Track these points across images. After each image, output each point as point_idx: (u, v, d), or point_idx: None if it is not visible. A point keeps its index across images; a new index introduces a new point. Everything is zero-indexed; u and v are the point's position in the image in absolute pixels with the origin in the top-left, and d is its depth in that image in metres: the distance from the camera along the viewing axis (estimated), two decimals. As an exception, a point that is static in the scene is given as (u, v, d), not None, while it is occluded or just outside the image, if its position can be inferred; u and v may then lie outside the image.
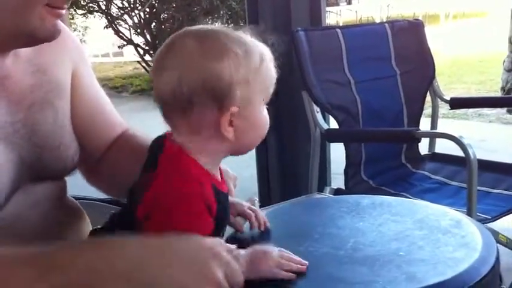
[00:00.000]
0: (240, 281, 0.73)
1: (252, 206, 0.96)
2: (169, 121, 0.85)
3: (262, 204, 1.02)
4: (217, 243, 0.75)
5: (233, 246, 0.77)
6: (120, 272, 0.70)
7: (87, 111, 1.06)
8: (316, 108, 1.94)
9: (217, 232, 0.83)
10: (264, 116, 0.86)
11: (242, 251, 0.77)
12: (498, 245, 0.84)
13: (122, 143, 1.10)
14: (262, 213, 0.95)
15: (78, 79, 1.04)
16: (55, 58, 0.99)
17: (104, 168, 1.09)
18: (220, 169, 0.90)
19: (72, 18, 9.67)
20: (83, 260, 0.70)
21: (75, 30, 9.76)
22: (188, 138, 0.83)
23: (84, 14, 9.13)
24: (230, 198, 0.92)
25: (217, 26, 0.84)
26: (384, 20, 2.14)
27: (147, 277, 0.69)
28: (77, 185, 1.15)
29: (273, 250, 0.78)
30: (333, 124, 2.05)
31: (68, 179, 1.05)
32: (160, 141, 0.88)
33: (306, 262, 0.79)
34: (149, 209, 0.80)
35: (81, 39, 9.69)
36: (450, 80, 6.83)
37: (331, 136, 1.97)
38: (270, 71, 0.86)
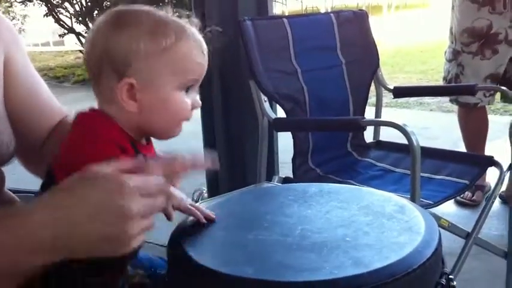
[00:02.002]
0: (167, 188, 0.75)
1: (194, 203, 0.95)
2: (93, 88, 0.87)
3: (211, 195, 1.01)
4: (117, 174, 0.71)
5: (139, 160, 0.76)
6: (40, 245, 0.69)
7: (22, 95, 1.03)
8: (264, 98, 1.95)
9: None
10: (177, 100, 0.85)
11: (152, 162, 0.76)
12: (440, 229, 0.87)
13: (62, 129, 1.07)
14: (205, 208, 0.94)
15: (11, 65, 1.00)
16: None
17: (45, 155, 1.07)
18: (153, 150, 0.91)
19: (11, 6, 9.34)
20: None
21: (13, 18, 9.42)
22: (105, 107, 0.85)
23: (23, 2, 8.82)
24: (174, 190, 0.92)
25: (147, 6, 0.84)
26: (329, 10, 2.16)
27: (66, 241, 0.69)
28: (15, 179, 1.11)
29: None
30: (281, 113, 2.07)
31: (6, 172, 1.02)
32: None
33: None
34: (61, 156, 0.82)
35: (20, 28, 9.38)
36: (393, 70, 6.98)
37: (278, 125, 1.98)
38: (189, 56, 0.85)
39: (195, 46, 0.85)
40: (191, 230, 0.89)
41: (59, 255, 0.71)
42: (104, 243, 0.70)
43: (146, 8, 0.86)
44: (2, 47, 0.99)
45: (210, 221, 0.91)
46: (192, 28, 0.86)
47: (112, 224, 0.69)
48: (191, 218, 0.92)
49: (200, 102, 0.89)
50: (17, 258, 0.70)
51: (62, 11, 8.49)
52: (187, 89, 0.86)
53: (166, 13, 0.86)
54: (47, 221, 0.69)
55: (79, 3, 8.27)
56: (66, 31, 8.56)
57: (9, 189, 1.06)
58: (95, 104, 0.88)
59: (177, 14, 0.86)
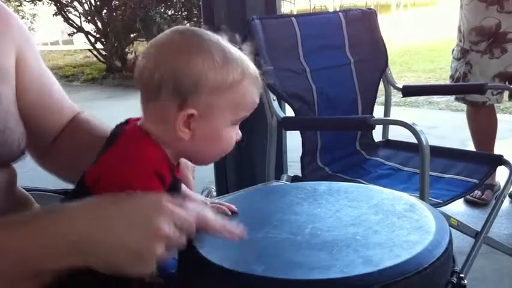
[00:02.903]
0: (192, 228, 0.74)
1: (213, 200, 0.96)
2: (141, 103, 0.85)
3: (219, 193, 1.02)
4: (161, 196, 0.74)
5: (179, 199, 0.77)
6: (68, 245, 0.69)
7: (34, 95, 1.03)
8: (273, 97, 1.95)
9: None
10: (227, 133, 0.85)
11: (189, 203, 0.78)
12: (450, 228, 0.86)
13: (75, 126, 1.08)
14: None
15: (23, 63, 1.01)
16: None
17: (58, 152, 1.08)
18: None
19: (20, 5, 9.39)
20: (26, 240, 0.69)
21: (23, 17, 9.47)
22: (152, 125, 0.84)
23: (32, 1, 8.87)
24: (188, 191, 0.93)
25: (211, 32, 0.86)
26: (338, 9, 2.16)
27: (96, 247, 0.69)
28: (29, 177, 1.12)
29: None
30: (289, 112, 2.07)
31: (19, 170, 1.03)
32: (122, 125, 0.88)
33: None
34: (99, 173, 0.80)
35: (29, 27, 9.42)
36: (401, 69, 6.96)
37: (287, 124, 1.98)
38: (248, 94, 0.85)
39: (255, 84, 0.85)
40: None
41: (80, 262, 0.70)
42: (128, 257, 0.70)
43: (212, 34, 0.84)
44: (13, 46, 1.00)
45: (233, 213, 0.92)
46: (251, 63, 0.85)
47: (142, 240, 0.70)
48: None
49: (241, 134, 0.89)
50: (41, 261, 0.70)
51: (71, 10, 8.52)
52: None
53: (228, 42, 0.85)
54: (83, 221, 0.70)
55: (88, 2, 8.30)
56: (75, 30, 8.60)
57: (23, 187, 1.06)
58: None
59: (245, 52, 0.85)
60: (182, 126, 0.82)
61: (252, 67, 0.85)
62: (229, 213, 0.92)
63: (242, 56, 0.85)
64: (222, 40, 0.84)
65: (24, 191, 1.07)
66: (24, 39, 1.03)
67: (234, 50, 0.84)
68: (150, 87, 0.82)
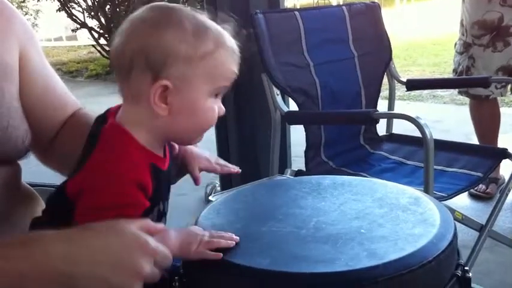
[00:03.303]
0: (169, 263, 0.75)
1: (218, 160, 0.99)
2: (118, 85, 0.85)
3: (223, 188, 1.02)
4: (142, 227, 0.74)
5: (161, 226, 0.78)
6: (48, 272, 0.71)
7: (37, 91, 1.04)
8: (276, 91, 1.95)
9: (151, 209, 0.84)
10: (205, 105, 0.84)
11: (173, 232, 0.78)
12: (454, 221, 0.86)
13: (74, 122, 1.09)
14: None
15: (26, 60, 1.01)
16: (2, 39, 0.97)
17: (57, 148, 1.08)
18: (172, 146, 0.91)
19: (24, 1, 9.39)
20: (7, 262, 0.70)
21: (26, 13, 9.47)
22: (129, 107, 0.84)
23: (36, -3, 8.87)
24: (199, 151, 0.96)
25: (184, 6, 0.87)
26: (341, 3, 2.16)
27: (75, 275, 0.71)
28: (34, 172, 1.13)
29: (204, 233, 0.80)
30: (293, 106, 2.07)
31: (24, 166, 1.03)
32: (103, 116, 0.89)
33: (237, 238, 0.81)
34: (81, 186, 0.80)
35: (33, 23, 9.42)
36: (405, 63, 6.93)
37: (291, 118, 1.98)
38: (226, 64, 0.84)
39: (231, 54, 0.85)
40: (207, 222, 0.89)
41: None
42: None
43: (186, 8, 0.85)
44: (17, 43, 1.00)
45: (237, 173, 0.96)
46: (228, 35, 0.85)
47: (123, 278, 0.72)
48: (206, 209, 0.93)
49: (224, 109, 0.89)
50: (26, 285, 0.71)
51: (75, 5, 8.51)
52: (215, 95, 0.86)
53: (205, 16, 0.85)
54: (62, 254, 0.71)
55: (91, -3, 8.30)
56: (78, 26, 8.59)
57: (27, 183, 1.07)
58: (107, 99, 0.88)
59: (212, 16, 0.86)
60: (158, 101, 0.81)
61: (227, 38, 0.85)
62: (236, 170, 0.97)
63: (217, 27, 0.84)
64: (197, 13, 0.84)
65: (29, 186, 1.07)
66: (27, 36, 1.03)
67: (208, 22, 0.84)
68: (123, 65, 0.82)
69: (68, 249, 0.72)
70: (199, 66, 0.81)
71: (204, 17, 0.85)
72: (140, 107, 0.83)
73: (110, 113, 0.89)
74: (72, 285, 0.71)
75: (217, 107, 0.87)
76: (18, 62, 1.00)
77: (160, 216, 0.90)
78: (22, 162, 1.03)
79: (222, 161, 1.05)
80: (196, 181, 0.99)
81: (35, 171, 1.13)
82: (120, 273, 0.72)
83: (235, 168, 1.00)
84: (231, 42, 0.85)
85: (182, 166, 1.01)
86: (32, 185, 1.09)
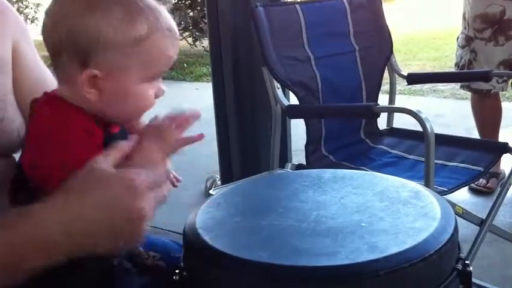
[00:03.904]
0: (163, 177, 0.75)
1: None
2: (51, 66, 0.84)
3: (224, 182, 1.02)
4: (128, 178, 0.72)
5: (131, 140, 0.77)
6: (49, 242, 0.70)
7: (29, 85, 1.03)
8: (277, 85, 1.94)
9: None
10: (140, 90, 0.81)
11: (145, 139, 0.77)
12: (455, 215, 0.86)
13: None
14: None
15: (18, 53, 1.01)
16: None
17: None
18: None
19: (24, -5, 9.37)
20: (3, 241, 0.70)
21: (26, 7, 9.46)
22: (63, 88, 0.82)
23: (35, -9, 8.84)
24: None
25: None
26: (342, -3, 2.16)
27: (78, 239, 0.70)
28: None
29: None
30: (293, 100, 2.06)
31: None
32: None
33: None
34: (32, 156, 0.80)
35: (33, 17, 9.41)
36: (406, 57, 6.92)
37: (291, 112, 1.97)
38: (161, 49, 0.80)
39: (167, 38, 0.81)
40: (207, 215, 0.89)
41: (67, 254, 0.71)
42: (117, 240, 0.72)
43: None
44: (10, 37, 1.00)
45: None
46: (166, 15, 0.81)
47: (126, 224, 0.71)
48: (206, 203, 0.92)
49: (164, 89, 0.85)
50: (26, 260, 0.71)
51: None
52: (152, 79, 0.83)
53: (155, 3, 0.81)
54: (56, 220, 0.70)
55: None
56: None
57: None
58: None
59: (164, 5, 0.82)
60: (87, 88, 0.78)
61: (164, 20, 0.80)
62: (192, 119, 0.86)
63: (153, 8, 0.80)
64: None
65: None
66: (20, 31, 1.03)
67: (143, 2, 0.79)
68: (52, 49, 0.80)
69: (59, 215, 0.70)
70: (130, 53, 0.78)
71: (148, 3, 0.80)
72: (72, 89, 0.81)
73: (46, 92, 0.86)
74: (76, 245, 0.70)
75: (156, 89, 0.83)
76: (12, 55, 1.00)
77: None
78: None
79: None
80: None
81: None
82: (122, 223, 0.71)
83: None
84: (168, 23, 0.81)
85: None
86: None
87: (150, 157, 0.76)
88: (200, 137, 0.83)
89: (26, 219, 0.71)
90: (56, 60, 0.81)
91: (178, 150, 0.80)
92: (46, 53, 1.08)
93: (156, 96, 0.84)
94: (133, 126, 0.92)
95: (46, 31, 0.81)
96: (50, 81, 1.10)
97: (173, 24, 0.82)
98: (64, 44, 0.78)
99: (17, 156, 1.02)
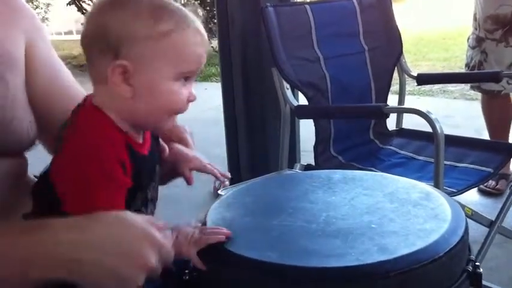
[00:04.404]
0: (171, 258, 0.76)
1: (210, 163, 0.98)
2: (88, 67, 0.86)
3: (232, 182, 1.02)
4: (148, 222, 0.75)
5: (162, 224, 0.78)
6: (57, 259, 0.71)
7: (44, 83, 1.03)
8: (286, 85, 1.94)
9: (134, 194, 0.84)
10: (169, 87, 0.82)
11: (168, 231, 0.79)
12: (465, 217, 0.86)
13: None
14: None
15: (33, 51, 1.01)
16: (7, 30, 0.97)
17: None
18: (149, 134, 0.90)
19: (34, -5, 9.42)
20: (16, 249, 0.71)
21: (37, 7, 9.50)
22: (98, 88, 0.84)
23: (45, -10, 8.89)
24: (189, 152, 0.95)
25: None
26: (351, -3, 2.15)
27: (84, 262, 0.71)
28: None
29: (194, 231, 0.81)
30: (303, 100, 2.06)
31: (33, 158, 1.04)
32: (82, 101, 0.88)
33: (229, 232, 0.81)
34: (62, 164, 0.81)
35: (43, 17, 9.45)
36: (415, 58, 6.89)
37: (301, 112, 1.97)
38: (188, 45, 0.82)
39: (195, 36, 0.83)
40: (217, 215, 0.89)
41: (68, 275, 0.72)
42: (113, 280, 0.73)
43: None
44: (23, 34, 1.00)
45: (226, 177, 0.95)
46: (194, 18, 0.84)
47: (129, 267, 0.72)
48: (216, 203, 0.93)
49: (195, 95, 0.86)
50: (32, 271, 0.72)
51: (85, -1, 8.54)
52: (185, 79, 0.84)
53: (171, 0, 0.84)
54: (77, 242, 0.72)
55: (100, -9, 8.30)
56: (88, 19, 8.60)
57: (35, 176, 1.07)
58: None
59: (183, 2, 0.85)
60: (118, 81, 0.80)
61: (192, 20, 0.83)
62: (220, 176, 0.96)
63: (182, 9, 0.83)
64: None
65: (34, 178, 1.07)
66: (35, 28, 1.04)
67: (173, 4, 0.83)
68: (86, 47, 0.84)
69: (78, 237, 0.72)
70: (157, 47, 0.80)
71: (169, 1, 0.83)
72: (107, 88, 0.82)
73: (88, 97, 0.88)
74: (80, 272, 0.72)
75: (187, 92, 0.85)
76: (25, 53, 1.00)
77: (146, 204, 0.90)
78: (29, 155, 1.03)
79: (212, 164, 1.02)
80: (188, 181, 0.98)
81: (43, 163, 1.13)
82: (127, 263, 0.72)
83: (224, 174, 0.99)
84: (195, 24, 0.83)
85: (174, 167, 1.00)
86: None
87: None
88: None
89: (44, 232, 0.73)
90: (89, 59, 0.84)
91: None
92: (58, 53, 1.09)
93: (188, 100, 0.85)
94: (173, 132, 0.95)
95: (83, 32, 0.84)
96: (66, 78, 1.10)
97: (201, 27, 0.84)
98: (96, 40, 0.81)
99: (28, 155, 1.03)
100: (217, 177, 0.95)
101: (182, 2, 0.88)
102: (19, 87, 0.98)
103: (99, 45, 0.81)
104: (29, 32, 1.02)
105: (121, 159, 0.80)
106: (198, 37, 0.83)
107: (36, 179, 1.07)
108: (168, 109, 0.85)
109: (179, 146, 1.00)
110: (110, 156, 0.79)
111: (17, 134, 0.96)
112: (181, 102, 0.84)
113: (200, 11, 0.86)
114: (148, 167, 0.88)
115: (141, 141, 0.87)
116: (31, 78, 1.00)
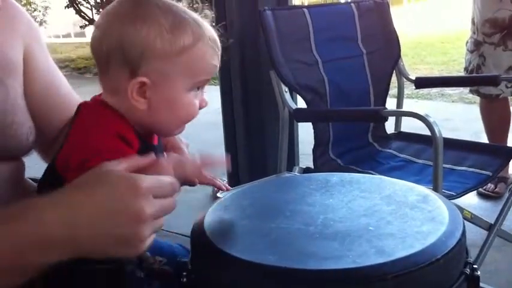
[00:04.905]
0: (174, 189, 0.74)
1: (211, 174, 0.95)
2: (98, 76, 0.86)
3: (231, 185, 1.02)
4: (131, 175, 0.71)
5: (151, 158, 0.76)
6: (48, 240, 0.68)
7: (41, 90, 1.04)
8: (285, 88, 1.95)
9: None
10: (186, 99, 0.84)
11: (163, 159, 0.79)
12: (463, 219, 0.86)
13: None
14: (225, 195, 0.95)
15: (30, 58, 1.02)
16: (6, 36, 0.97)
17: (57, 145, 1.08)
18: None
19: (32, -2, 9.44)
20: (4, 236, 0.69)
21: (35, 10, 9.52)
22: (109, 98, 0.84)
23: (44, -7, 8.91)
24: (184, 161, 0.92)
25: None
26: (349, 0, 2.15)
27: (77, 237, 0.68)
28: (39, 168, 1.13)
29: (194, 158, 0.82)
30: (301, 104, 2.06)
31: (31, 162, 1.04)
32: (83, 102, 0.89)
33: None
34: (66, 155, 0.81)
35: (41, 20, 9.47)
36: (413, 61, 6.91)
37: (299, 116, 1.97)
38: (205, 57, 0.83)
39: (211, 47, 0.83)
40: (214, 218, 0.89)
41: (68, 254, 0.70)
42: (116, 244, 0.70)
43: (169, 2, 0.84)
44: (21, 41, 1.01)
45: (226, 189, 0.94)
46: (208, 26, 0.84)
47: (125, 226, 0.69)
48: (214, 206, 0.92)
49: (207, 101, 0.87)
50: (27, 257, 0.69)
51: (83, 2, 8.55)
52: (197, 88, 0.85)
53: (182, 6, 0.84)
54: (58, 220, 0.69)
55: (99, -6, 8.32)
56: (87, 22, 8.63)
57: (30, 178, 1.07)
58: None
59: (190, 3, 0.85)
60: (136, 95, 0.81)
61: (207, 30, 0.83)
62: (224, 188, 0.94)
63: (196, 19, 0.83)
64: (175, 5, 0.83)
65: (32, 182, 1.07)
66: (32, 35, 1.04)
67: (187, 14, 0.83)
68: (100, 58, 0.83)
69: (62, 213, 0.69)
70: (176, 62, 0.80)
71: (181, 7, 0.83)
72: (119, 99, 0.83)
73: (93, 97, 0.89)
74: (80, 248, 0.69)
75: (199, 100, 0.86)
76: (23, 59, 1.00)
77: None
78: (26, 159, 1.03)
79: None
80: (193, 184, 0.97)
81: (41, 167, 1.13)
82: (121, 223, 0.69)
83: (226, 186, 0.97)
84: (211, 33, 0.84)
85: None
86: (35, 180, 1.09)
87: (159, 172, 0.75)
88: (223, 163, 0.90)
89: (29, 215, 0.69)
90: (103, 70, 0.83)
91: (194, 183, 0.82)
92: (57, 56, 1.09)
93: (200, 106, 0.86)
94: (169, 141, 0.95)
95: (95, 41, 0.83)
96: (63, 85, 1.10)
97: (215, 35, 0.85)
98: (113, 53, 0.80)
99: (25, 159, 1.03)
100: (220, 188, 0.94)
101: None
102: (18, 92, 0.98)
103: (116, 58, 0.80)
104: (27, 38, 1.02)
105: (124, 135, 0.80)
106: (214, 46, 0.84)
107: (33, 182, 1.07)
108: (183, 119, 0.86)
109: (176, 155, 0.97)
110: (110, 130, 0.79)
111: (17, 138, 0.96)
112: (194, 111, 0.86)
113: (209, 12, 0.86)
114: (158, 156, 0.88)
115: (151, 137, 0.88)
116: (28, 85, 1.01)
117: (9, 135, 0.94)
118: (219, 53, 0.86)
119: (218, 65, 0.86)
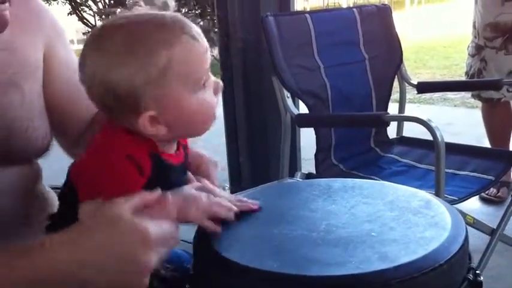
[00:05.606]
0: (177, 242, 0.75)
1: (238, 197, 0.94)
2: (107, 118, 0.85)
3: (233, 191, 1.02)
4: (139, 218, 0.71)
5: (157, 193, 0.75)
6: (56, 277, 0.70)
7: (61, 89, 1.04)
8: (287, 93, 1.95)
9: None
10: (196, 101, 0.82)
11: (170, 197, 0.76)
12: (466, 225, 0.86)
13: (103, 118, 1.09)
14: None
15: (52, 57, 1.02)
16: (26, 37, 0.97)
17: (83, 142, 1.08)
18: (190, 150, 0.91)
19: (35, 4, 9.47)
20: (13, 270, 0.70)
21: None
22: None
23: (47, 0, 8.94)
24: (212, 187, 0.90)
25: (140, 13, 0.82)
26: (351, 5, 2.15)
27: (85, 277, 0.70)
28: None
29: (202, 196, 0.80)
30: (303, 109, 2.07)
31: (49, 169, 1.04)
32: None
33: (235, 208, 0.84)
34: (79, 168, 0.82)
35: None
36: (416, 66, 6.91)
37: (301, 121, 1.97)
38: (189, 56, 0.80)
39: (188, 43, 0.80)
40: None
41: None
42: (120, 286, 0.72)
43: (121, 20, 0.80)
44: (43, 40, 1.01)
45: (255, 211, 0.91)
46: (181, 23, 0.80)
47: (131, 274, 0.71)
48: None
49: (220, 81, 0.85)
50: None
51: (86, 9, 8.58)
52: (203, 85, 0.83)
53: (144, 13, 0.81)
54: (72, 259, 0.70)
55: (102, 1, 8.35)
56: (89, 29, 8.64)
57: (50, 186, 1.07)
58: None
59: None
60: (150, 128, 0.80)
61: (178, 28, 0.79)
62: (256, 207, 0.91)
63: (164, 23, 0.79)
64: (133, 24, 0.79)
65: (49, 189, 1.07)
66: (55, 33, 1.05)
67: (153, 22, 0.79)
68: (97, 104, 0.82)
69: (72, 251, 0.70)
70: (168, 78, 0.78)
71: (143, 23, 0.79)
72: (136, 129, 0.82)
73: None
74: (84, 285, 0.71)
75: (212, 88, 0.84)
76: (44, 57, 1.01)
77: None
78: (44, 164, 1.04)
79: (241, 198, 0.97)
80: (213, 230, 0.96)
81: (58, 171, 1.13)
82: (128, 271, 0.71)
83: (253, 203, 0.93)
84: (181, 27, 0.80)
85: None
86: (54, 188, 1.08)
87: (164, 214, 0.75)
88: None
89: (39, 251, 0.71)
90: (110, 114, 0.82)
91: (202, 223, 0.81)
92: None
93: (216, 92, 0.84)
94: (196, 160, 0.95)
95: (86, 86, 0.81)
96: None
97: (186, 23, 0.81)
98: (106, 98, 0.79)
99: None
100: (253, 209, 0.92)
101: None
102: (35, 94, 0.98)
103: (111, 103, 0.79)
104: (50, 36, 1.03)
105: (135, 157, 0.79)
106: (192, 40, 0.80)
107: (51, 191, 1.07)
108: (206, 118, 0.85)
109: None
110: (120, 152, 0.79)
111: (32, 142, 0.96)
112: (211, 105, 0.84)
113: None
114: (180, 178, 0.88)
115: (172, 152, 0.87)
116: (50, 82, 1.01)
117: (24, 140, 0.95)
118: (202, 40, 0.82)
119: (208, 54, 0.83)
